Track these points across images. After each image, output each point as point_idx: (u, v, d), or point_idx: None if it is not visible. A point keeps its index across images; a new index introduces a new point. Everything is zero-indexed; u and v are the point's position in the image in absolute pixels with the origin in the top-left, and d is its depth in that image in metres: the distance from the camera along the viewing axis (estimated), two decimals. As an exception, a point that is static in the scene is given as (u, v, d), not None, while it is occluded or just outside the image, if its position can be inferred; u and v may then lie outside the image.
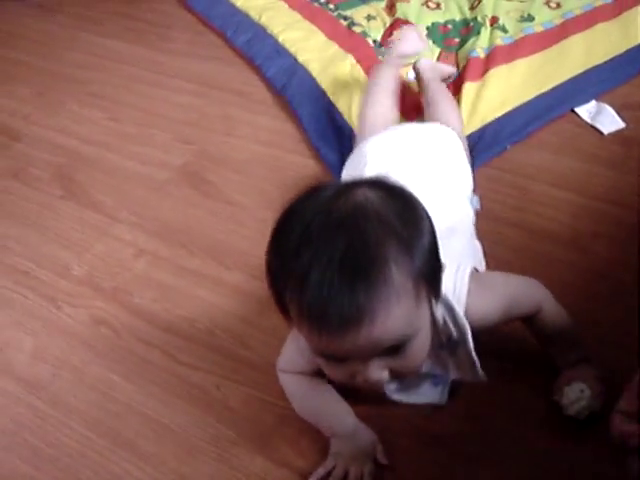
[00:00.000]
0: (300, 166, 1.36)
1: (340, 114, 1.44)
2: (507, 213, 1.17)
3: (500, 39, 1.58)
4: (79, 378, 1.02)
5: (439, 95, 1.32)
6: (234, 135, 1.49)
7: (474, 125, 1.36)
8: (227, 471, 0.88)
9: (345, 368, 0.70)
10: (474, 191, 1.11)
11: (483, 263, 0.99)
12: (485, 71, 1.48)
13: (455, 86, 1.46)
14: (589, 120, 1.37)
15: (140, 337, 1.07)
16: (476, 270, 0.88)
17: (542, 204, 1.19)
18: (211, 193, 1.34)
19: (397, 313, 0.64)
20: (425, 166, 1.02)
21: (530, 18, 1.66)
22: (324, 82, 1.55)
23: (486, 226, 1.08)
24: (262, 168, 1.37)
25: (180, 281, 1.16)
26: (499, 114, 1.38)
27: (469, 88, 1.43)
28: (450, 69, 1.48)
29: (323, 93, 1.52)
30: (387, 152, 1.07)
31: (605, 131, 1.33)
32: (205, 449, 0.91)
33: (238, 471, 0.88)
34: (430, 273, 0.68)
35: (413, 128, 1.19)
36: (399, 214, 0.66)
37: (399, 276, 0.63)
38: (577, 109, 1.39)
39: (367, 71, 1.53)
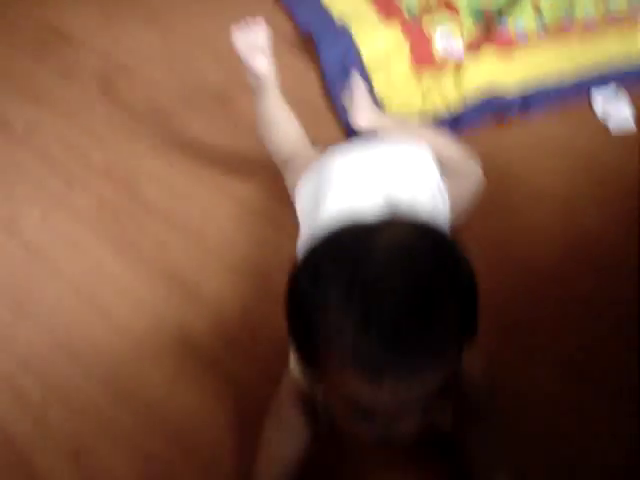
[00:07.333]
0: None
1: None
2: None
3: (535, 24, 1.55)
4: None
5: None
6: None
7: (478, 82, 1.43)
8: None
9: (372, 423, 0.66)
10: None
11: None
12: (509, 44, 1.51)
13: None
14: (600, 112, 1.40)
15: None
16: None
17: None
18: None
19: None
20: (396, 193, 0.95)
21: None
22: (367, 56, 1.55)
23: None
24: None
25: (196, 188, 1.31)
26: (510, 80, 1.44)
27: (488, 48, 1.49)
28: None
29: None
30: (355, 176, 1.01)
31: (612, 127, 1.36)
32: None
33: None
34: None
35: (384, 149, 1.07)
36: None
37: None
38: (594, 94, 1.43)
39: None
